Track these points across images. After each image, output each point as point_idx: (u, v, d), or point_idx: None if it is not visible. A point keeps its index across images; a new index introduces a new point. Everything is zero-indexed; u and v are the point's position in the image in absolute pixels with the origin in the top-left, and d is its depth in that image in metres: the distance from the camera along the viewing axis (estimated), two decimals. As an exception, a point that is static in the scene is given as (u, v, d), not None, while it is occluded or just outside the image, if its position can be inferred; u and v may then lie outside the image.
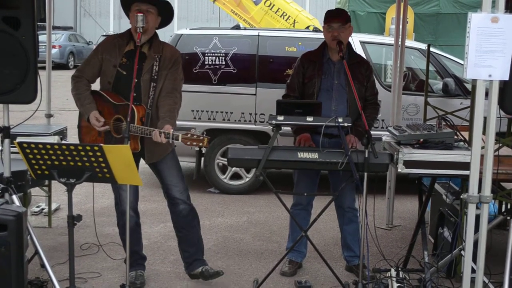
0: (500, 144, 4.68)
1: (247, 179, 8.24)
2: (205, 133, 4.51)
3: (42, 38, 15.40)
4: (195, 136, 4.44)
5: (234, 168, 8.08)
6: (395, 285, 4.81)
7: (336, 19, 5.18)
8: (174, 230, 5.24)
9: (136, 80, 4.75)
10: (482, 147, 3.82)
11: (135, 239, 5.12)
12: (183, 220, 5.13)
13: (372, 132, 4.82)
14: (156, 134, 4.53)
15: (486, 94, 3.73)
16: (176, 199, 5.07)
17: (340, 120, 4.65)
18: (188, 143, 4.45)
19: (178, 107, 4.90)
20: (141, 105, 4.78)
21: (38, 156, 3.91)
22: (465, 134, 5.03)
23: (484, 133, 3.84)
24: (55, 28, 29.59)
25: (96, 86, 5.00)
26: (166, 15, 4.99)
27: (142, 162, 5.04)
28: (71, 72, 5.13)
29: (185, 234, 5.18)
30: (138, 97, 4.81)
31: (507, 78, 3.74)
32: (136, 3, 4.81)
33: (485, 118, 3.80)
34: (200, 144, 4.43)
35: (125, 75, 4.76)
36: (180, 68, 4.97)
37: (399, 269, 5.04)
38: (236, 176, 8.32)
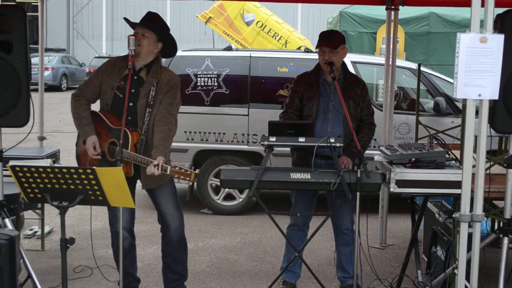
0: (492, 163, 4.71)
1: (240, 200, 8.24)
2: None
3: (34, 60, 15.39)
4: (183, 170, 4.47)
5: (227, 189, 8.08)
6: (389, 304, 4.82)
7: (325, 44, 5.18)
8: (162, 254, 5.23)
9: (131, 104, 4.78)
10: (474, 166, 3.84)
11: (130, 261, 5.11)
12: (172, 248, 5.11)
13: (364, 152, 4.84)
14: (150, 168, 4.54)
15: (477, 113, 3.76)
16: (170, 228, 5.04)
17: (332, 140, 4.68)
18: (176, 176, 4.49)
19: (173, 134, 4.89)
20: (136, 131, 4.77)
21: (31, 180, 3.91)
22: (457, 153, 5.06)
23: (475, 151, 3.86)
24: (47, 50, 29.76)
25: (96, 106, 5.02)
26: (170, 44, 5.00)
27: (138, 184, 5.04)
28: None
29: (171, 261, 5.16)
30: (134, 121, 4.81)
31: (496, 97, 3.77)
32: (136, 26, 4.85)
33: (476, 137, 3.82)
34: (187, 178, 4.46)
35: (122, 98, 4.73)
36: (177, 93, 4.94)
37: (393, 288, 5.04)
38: (229, 197, 8.31)
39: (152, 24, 4.87)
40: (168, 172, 4.48)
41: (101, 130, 4.87)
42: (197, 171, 7.97)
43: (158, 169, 4.48)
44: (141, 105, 4.82)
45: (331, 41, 5.20)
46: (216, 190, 8.27)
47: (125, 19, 5.04)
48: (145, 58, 4.86)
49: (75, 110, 4.93)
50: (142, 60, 4.86)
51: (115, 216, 4.91)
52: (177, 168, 4.47)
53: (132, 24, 4.89)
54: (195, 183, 8.21)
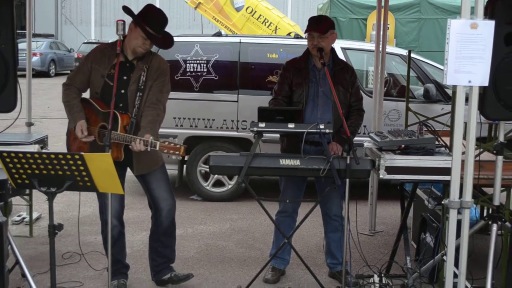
0: (481, 149, 4.71)
1: (230, 186, 8.22)
2: (182, 141, 4.51)
3: (22, 45, 15.30)
4: (172, 144, 4.45)
5: (216, 175, 8.07)
6: (378, 291, 4.83)
7: (314, 29, 5.16)
8: (150, 239, 5.23)
9: (123, 91, 4.78)
10: (463, 153, 3.84)
11: (119, 248, 5.09)
12: (162, 233, 5.13)
13: (354, 138, 4.83)
14: (136, 142, 4.52)
15: (467, 100, 3.76)
16: (162, 212, 5.05)
17: (322, 126, 4.66)
18: (165, 151, 4.48)
19: (161, 120, 4.89)
20: (126, 114, 4.78)
21: (18, 165, 3.88)
22: (446, 140, 5.06)
23: (465, 138, 3.86)
24: (36, 35, 29.45)
25: (87, 94, 4.99)
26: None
27: (128, 171, 5.02)
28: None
29: (159, 245, 5.19)
30: (125, 107, 4.81)
31: (486, 84, 3.77)
32: (147, 27, 4.75)
33: (465, 124, 3.82)
34: (177, 152, 4.44)
35: (112, 86, 4.70)
36: (167, 80, 4.95)
37: (382, 274, 5.05)
38: (218, 183, 8.30)
39: (163, 30, 4.87)
40: (157, 148, 4.47)
41: (91, 115, 4.86)
42: (186, 158, 7.95)
43: (145, 145, 4.46)
44: (131, 90, 4.82)
45: (320, 26, 5.17)
46: (205, 177, 8.25)
47: (142, 23, 4.76)
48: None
49: (66, 98, 4.92)
50: (139, 55, 4.86)
51: (104, 205, 4.89)
52: (166, 143, 4.47)
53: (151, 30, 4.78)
54: (184, 170, 8.21)
